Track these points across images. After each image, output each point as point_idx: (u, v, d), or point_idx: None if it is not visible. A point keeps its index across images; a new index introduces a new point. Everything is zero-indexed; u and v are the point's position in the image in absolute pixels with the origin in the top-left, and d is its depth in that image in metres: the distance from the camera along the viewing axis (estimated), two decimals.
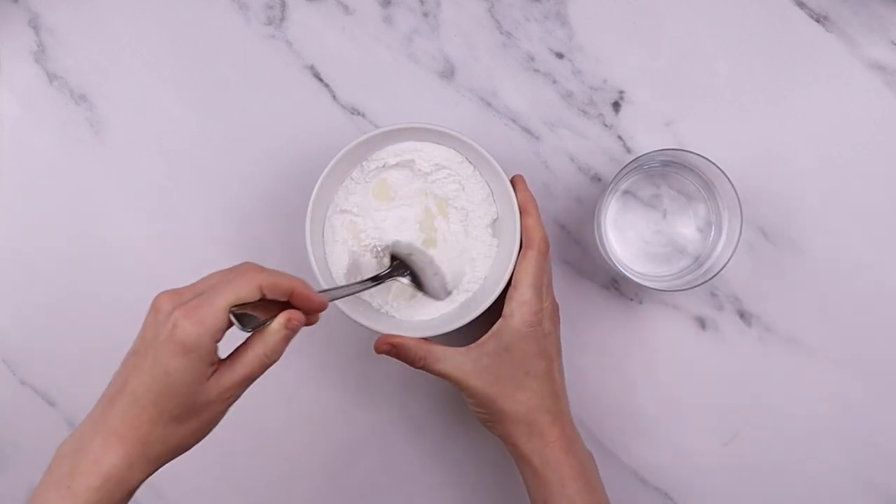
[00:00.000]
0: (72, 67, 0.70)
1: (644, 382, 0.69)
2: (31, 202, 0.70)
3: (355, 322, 0.62)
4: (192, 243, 0.69)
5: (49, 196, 0.70)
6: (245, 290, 0.50)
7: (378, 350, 0.61)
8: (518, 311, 0.60)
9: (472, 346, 0.61)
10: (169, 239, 0.69)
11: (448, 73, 0.69)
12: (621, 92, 0.68)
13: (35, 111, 0.70)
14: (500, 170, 0.62)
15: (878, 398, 0.69)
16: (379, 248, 0.65)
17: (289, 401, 0.70)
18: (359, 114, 0.69)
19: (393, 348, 0.61)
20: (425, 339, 0.61)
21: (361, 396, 0.70)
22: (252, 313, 0.50)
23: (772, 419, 0.69)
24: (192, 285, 0.51)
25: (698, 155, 0.63)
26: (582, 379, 0.69)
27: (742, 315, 0.69)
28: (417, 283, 0.63)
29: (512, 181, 0.62)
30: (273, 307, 0.51)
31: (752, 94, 0.68)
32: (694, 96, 0.68)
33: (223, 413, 0.52)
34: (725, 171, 0.62)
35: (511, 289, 0.60)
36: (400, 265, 0.63)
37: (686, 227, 0.68)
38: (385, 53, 0.69)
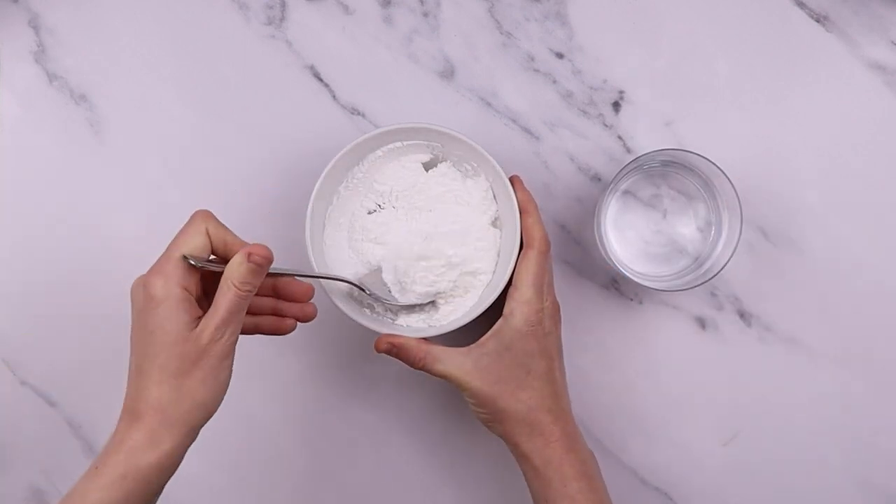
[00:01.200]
0: (72, 67, 0.70)
1: (644, 382, 0.69)
2: (31, 202, 0.70)
3: (356, 322, 0.62)
4: None
5: (49, 196, 0.70)
6: (194, 237, 0.55)
7: (378, 349, 0.61)
8: (519, 311, 0.60)
9: (473, 346, 0.61)
10: (168, 238, 0.69)
11: (448, 73, 0.69)
12: (621, 92, 0.68)
13: (35, 111, 0.70)
14: (500, 169, 0.62)
15: (877, 398, 0.69)
16: (371, 258, 0.65)
17: (288, 400, 0.70)
18: (359, 114, 0.69)
19: (393, 348, 0.61)
20: (425, 339, 0.61)
21: (360, 396, 0.70)
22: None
23: (772, 419, 0.69)
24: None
25: (698, 155, 0.63)
26: (582, 379, 0.69)
27: (742, 315, 0.69)
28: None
29: (510, 181, 0.62)
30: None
31: (753, 94, 0.68)
32: (694, 96, 0.68)
33: (225, 358, 0.54)
34: (725, 171, 0.62)
35: (512, 288, 0.60)
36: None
37: (686, 227, 0.68)
38: (385, 53, 0.69)
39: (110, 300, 0.69)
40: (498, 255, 0.64)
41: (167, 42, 0.69)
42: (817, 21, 0.68)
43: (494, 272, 0.64)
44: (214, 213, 0.69)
